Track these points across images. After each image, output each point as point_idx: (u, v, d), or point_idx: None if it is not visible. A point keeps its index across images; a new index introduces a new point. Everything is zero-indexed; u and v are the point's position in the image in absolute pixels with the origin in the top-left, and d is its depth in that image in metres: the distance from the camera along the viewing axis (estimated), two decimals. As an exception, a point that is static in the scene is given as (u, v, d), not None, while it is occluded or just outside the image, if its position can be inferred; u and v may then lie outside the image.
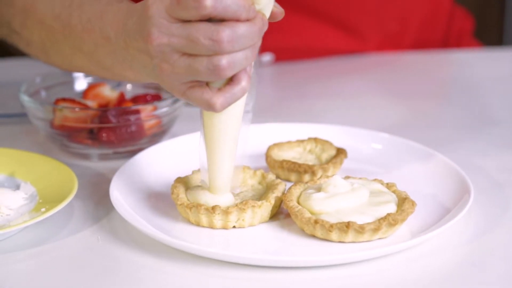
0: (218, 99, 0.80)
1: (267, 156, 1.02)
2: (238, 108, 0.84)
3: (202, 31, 0.77)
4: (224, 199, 0.88)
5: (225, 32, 0.77)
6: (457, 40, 1.56)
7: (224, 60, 0.77)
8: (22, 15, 1.03)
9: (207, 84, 0.81)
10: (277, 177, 1.00)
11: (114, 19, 0.88)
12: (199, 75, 0.79)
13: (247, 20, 0.78)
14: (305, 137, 1.06)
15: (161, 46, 0.80)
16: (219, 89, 0.80)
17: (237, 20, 0.77)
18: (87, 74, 1.15)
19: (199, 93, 0.80)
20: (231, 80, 0.80)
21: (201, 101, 0.80)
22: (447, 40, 1.56)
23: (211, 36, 0.77)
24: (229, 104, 0.81)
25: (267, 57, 1.44)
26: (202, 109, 0.84)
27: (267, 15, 0.81)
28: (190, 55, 0.79)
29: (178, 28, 0.78)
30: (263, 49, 1.43)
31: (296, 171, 0.99)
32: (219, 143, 0.85)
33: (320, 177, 0.93)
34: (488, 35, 2.37)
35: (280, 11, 0.82)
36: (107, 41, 0.89)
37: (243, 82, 0.80)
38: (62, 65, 1.02)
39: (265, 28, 0.80)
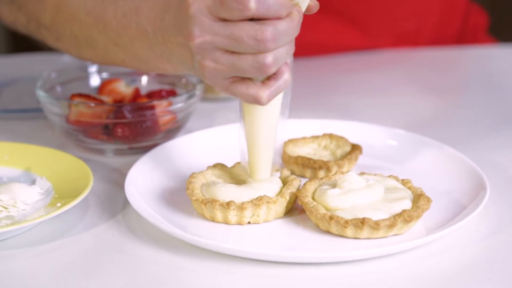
0: (264, 93, 0.82)
1: (282, 152, 1.02)
2: (278, 99, 0.87)
3: (246, 30, 0.78)
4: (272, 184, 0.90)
5: (268, 31, 0.78)
6: (472, 36, 1.55)
7: (269, 58, 0.79)
8: (53, 10, 1.04)
9: (249, 78, 0.82)
10: (292, 173, 1.00)
11: (150, 14, 0.88)
12: (244, 72, 0.81)
13: (287, 16, 0.80)
14: (320, 133, 1.06)
15: (203, 44, 0.81)
16: (263, 83, 0.82)
17: (278, 18, 0.79)
18: (103, 68, 1.16)
19: (243, 88, 0.82)
20: (274, 74, 0.82)
21: (246, 95, 0.82)
22: (462, 37, 1.55)
23: (255, 36, 0.78)
24: (274, 97, 0.83)
25: None
26: (245, 102, 0.85)
27: (304, 8, 0.83)
28: (233, 52, 0.80)
29: (220, 27, 0.80)
30: None
31: (311, 167, 0.98)
32: (261, 133, 0.88)
33: (335, 173, 0.93)
34: (504, 31, 2.36)
35: (315, 4, 0.84)
36: (144, 36, 0.90)
37: (286, 75, 0.82)
38: (95, 58, 1.03)
39: (301, 20, 0.82)
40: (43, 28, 1.07)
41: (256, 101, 0.82)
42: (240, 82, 0.82)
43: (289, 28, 0.80)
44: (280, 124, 0.89)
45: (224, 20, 0.80)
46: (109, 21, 0.95)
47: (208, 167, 0.95)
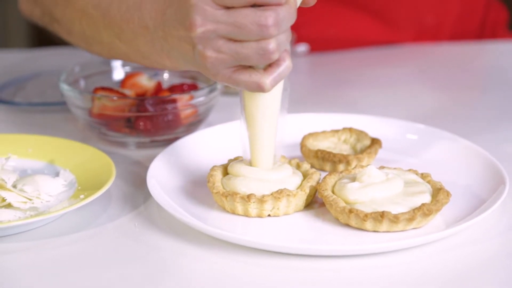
0: (267, 79, 0.82)
1: (302, 145, 1.02)
2: (278, 89, 0.87)
3: (249, 17, 0.79)
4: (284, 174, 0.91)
5: (271, 17, 0.79)
6: (492, 31, 1.55)
7: (272, 44, 0.80)
8: (63, 4, 1.05)
9: (250, 66, 0.83)
10: (312, 166, 1.00)
11: (152, 8, 0.89)
12: (248, 59, 0.81)
13: (285, 2, 0.80)
14: (340, 127, 1.06)
15: (206, 33, 0.81)
16: (265, 70, 0.83)
17: (279, 4, 0.80)
18: (126, 62, 1.16)
19: (246, 76, 0.82)
20: (275, 60, 0.83)
21: (249, 83, 0.83)
22: (482, 32, 1.54)
23: (258, 22, 0.79)
24: (277, 83, 0.83)
25: (302, 47, 1.44)
26: (247, 91, 0.86)
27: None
28: (235, 40, 0.81)
29: (223, 15, 0.80)
30: (298, 39, 1.44)
31: (331, 160, 0.99)
32: (263, 122, 0.88)
33: (355, 167, 0.93)
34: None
35: None
36: (146, 31, 0.90)
37: (287, 61, 0.83)
38: (102, 53, 1.04)
39: (297, 8, 0.82)
40: (55, 22, 1.08)
41: (260, 88, 0.83)
42: (243, 71, 0.83)
43: (289, 13, 0.80)
44: (280, 117, 0.89)
45: (226, 8, 0.80)
46: (113, 15, 0.96)
47: (229, 160, 0.95)
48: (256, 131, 0.89)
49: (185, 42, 0.84)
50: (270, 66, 0.83)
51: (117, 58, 1.04)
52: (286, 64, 0.83)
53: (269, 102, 0.87)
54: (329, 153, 0.99)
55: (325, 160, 0.99)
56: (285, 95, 0.89)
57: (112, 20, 0.96)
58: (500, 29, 1.55)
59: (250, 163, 0.91)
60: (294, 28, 0.83)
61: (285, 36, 0.81)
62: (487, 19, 1.53)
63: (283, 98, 0.89)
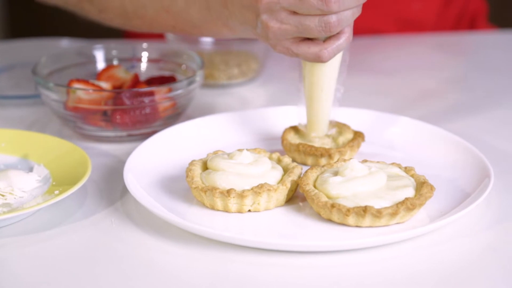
0: (326, 50, 0.89)
1: (283, 139, 1.00)
2: (337, 59, 0.94)
3: None
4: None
5: None
6: (472, 23, 1.55)
7: (334, 18, 0.86)
8: None
9: (309, 38, 0.89)
10: (293, 160, 0.99)
11: None
12: (310, 32, 0.87)
13: None
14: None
15: (271, 4, 0.87)
16: (325, 41, 0.89)
17: None
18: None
19: (305, 47, 0.89)
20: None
21: (309, 53, 0.89)
22: (462, 23, 1.54)
23: None
24: (335, 55, 0.90)
25: None
26: (306, 61, 0.92)
27: None
28: (298, 13, 0.87)
29: None
30: None
31: (313, 154, 0.97)
32: (321, 90, 0.94)
33: (337, 161, 0.92)
34: (509, 18, 2.35)
35: None
36: None
37: (347, 33, 0.89)
38: (142, 27, 1.07)
39: None
40: (85, 1, 1.10)
41: (318, 58, 0.89)
42: (302, 42, 0.89)
43: None
44: (338, 87, 0.96)
45: None
46: None
47: (209, 155, 0.94)
48: (314, 99, 0.95)
49: (249, 11, 0.89)
50: (330, 37, 0.89)
51: (159, 30, 1.07)
52: (346, 36, 0.89)
53: (327, 72, 0.93)
54: (311, 146, 0.97)
55: (307, 154, 0.98)
56: (344, 66, 0.95)
57: None
58: (479, 20, 1.55)
59: (305, 129, 0.98)
60: None
61: (351, 12, 0.87)
62: (467, 10, 1.53)
63: (341, 69, 0.94)
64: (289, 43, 0.89)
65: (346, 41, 0.90)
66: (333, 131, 1.00)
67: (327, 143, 1.01)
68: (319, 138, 0.99)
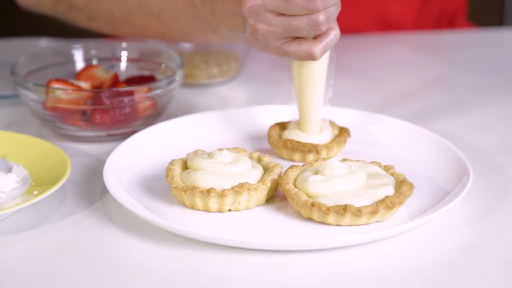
0: (317, 47, 0.89)
1: (270, 136, 1.00)
2: (326, 55, 0.94)
3: None
4: (322, 137, 0.98)
5: None
6: (451, 21, 1.55)
7: (321, 16, 0.87)
8: None
9: (299, 37, 0.89)
10: (281, 157, 0.99)
11: None
12: (299, 31, 0.88)
13: None
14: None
15: (255, 7, 0.88)
16: (315, 39, 0.90)
17: None
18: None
19: (296, 46, 0.89)
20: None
21: (300, 52, 0.90)
22: (441, 22, 1.55)
23: None
24: (326, 51, 0.90)
25: None
26: (296, 60, 0.93)
27: None
28: (284, 14, 0.87)
29: None
30: None
31: (300, 150, 0.97)
32: (311, 89, 0.95)
33: (317, 160, 0.92)
34: (488, 16, 2.36)
35: None
36: (191, 8, 0.95)
37: (336, 29, 0.91)
38: (131, 34, 1.08)
39: None
40: (74, 9, 1.10)
41: (310, 56, 0.89)
42: (293, 41, 0.89)
43: None
44: (327, 85, 0.97)
45: None
46: None
47: (189, 154, 0.94)
48: (305, 98, 0.95)
49: (235, 17, 0.89)
50: (319, 35, 0.89)
51: (148, 38, 1.08)
52: (335, 33, 0.90)
53: (316, 70, 0.94)
54: (298, 142, 0.97)
55: (294, 150, 0.98)
56: (332, 63, 0.96)
57: (151, 2, 1.00)
58: (459, 19, 1.56)
59: (299, 127, 0.98)
60: None
61: (335, 8, 0.88)
62: (446, 9, 1.54)
63: (330, 66, 0.95)
64: (279, 43, 0.90)
65: (336, 37, 0.90)
66: (327, 128, 1.00)
67: (325, 138, 1.00)
68: (317, 135, 0.99)
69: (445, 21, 1.55)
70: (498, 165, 0.98)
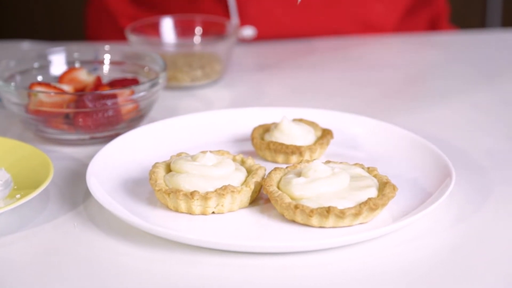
0: None
1: (253, 137, 1.00)
2: None
3: None
4: None
5: None
6: (434, 24, 1.56)
7: None
8: None
9: None
10: (264, 158, 0.99)
11: None
12: None
13: None
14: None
15: None
16: None
17: None
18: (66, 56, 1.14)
19: None
20: None
21: None
22: (426, 24, 1.55)
23: None
24: None
25: (249, 31, 1.41)
26: None
27: None
28: None
29: None
30: (244, 20, 1.41)
31: (284, 152, 0.98)
32: None
33: (300, 162, 0.92)
34: (471, 18, 2.37)
35: None
36: None
37: None
38: None
39: None
40: None
41: None
42: None
43: None
44: None
45: None
46: None
47: (172, 157, 0.94)
48: None
49: None
50: None
51: None
52: None
53: None
54: (282, 144, 0.98)
55: (277, 151, 0.98)
56: None
57: None
58: (442, 21, 1.57)
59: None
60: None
61: None
62: (430, 11, 1.55)
63: None
64: None
65: None
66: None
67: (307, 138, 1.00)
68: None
69: (431, 24, 1.56)
70: (480, 167, 0.99)
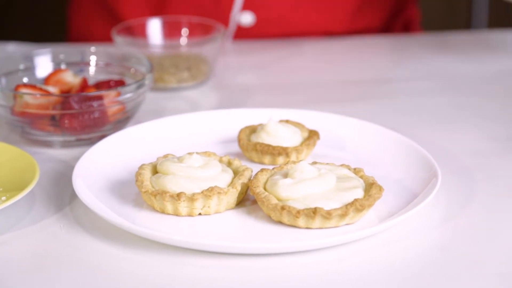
0: None
1: (240, 138, 1.00)
2: None
3: None
4: None
5: None
6: (406, 27, 1.58)
7: None
8: None
9: None
10: (251, 159, 0.99)
11: None
12: None
13: None
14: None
15: None
16: None
17: None
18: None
19: None
20: None
21: None
22: (399, 28, 1.57)
23: None
24: None
25: (248, 17, 1.41)
26: None
27: None
28: None
29: None
30: (243, 5, 1.40)
31: (270, 153, 0.98)
32: None
33: (287, 163, 0.92)
34: (457, 19, 2.38)
35: None
36: None
37: None
38: None
39: None
40: None
41: None
42: None
43: None
44: None
45: None
46: None
47: (158, 158, 0.93)
48: None
49: None
50: None
51: None
52: None
53: None
54: (268, 145, 0.98)
55: (264, 153, 0.98)
56: None
57: None
58: (414, 25, 1.58)
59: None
60: None
61: None
62: (403, 16, 1.56)
63: None
64: None
65: None
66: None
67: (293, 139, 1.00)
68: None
69: (403, 28, 1.58)
70: (465, 167, 0.99)
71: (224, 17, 1.42)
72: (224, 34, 1.30)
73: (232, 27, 1.41)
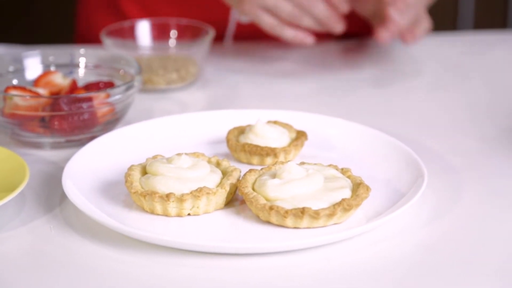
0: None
1: (228, 139, 1.01)
2: None
3: None
4: None
5: None
6: None
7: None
8: None
9: None
10: (239, 160, 1.00)
11: None
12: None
13: None
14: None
15: None
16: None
17: None
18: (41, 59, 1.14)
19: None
20: None
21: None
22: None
23: None
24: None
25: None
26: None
27: None
28: None
29: None
30: None
31: (258, 154, 0.98)
32: None
33: (275, 163, 0.93)
34: (442, 19, 2.39)
35: None
36: None
37: None
38: None
39: None
40: None
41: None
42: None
43: None
44: None
45: None
46: None
47: (148, 159, 0.94)
48: None
49: None
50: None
51: None
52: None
53: None
54: (257, 146, 0.98)
55: (252, 153, 0.98)
56: None
57: None
58: None
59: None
60: None
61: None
62: None
63: None
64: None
65: None
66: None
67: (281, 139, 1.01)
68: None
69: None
70: (451, 167, 1.00)
71: (224, 15, 1.43)
72: (225, 34, 1.30)
73: (232, 25, 1.42)
